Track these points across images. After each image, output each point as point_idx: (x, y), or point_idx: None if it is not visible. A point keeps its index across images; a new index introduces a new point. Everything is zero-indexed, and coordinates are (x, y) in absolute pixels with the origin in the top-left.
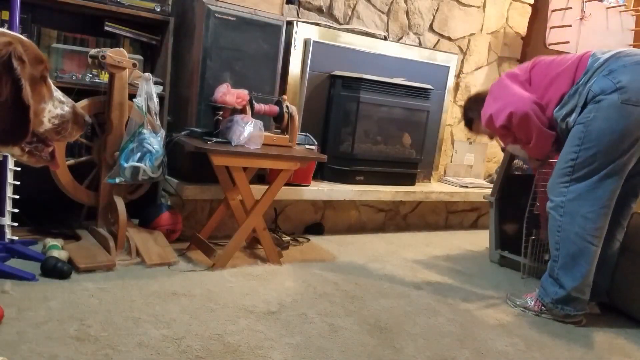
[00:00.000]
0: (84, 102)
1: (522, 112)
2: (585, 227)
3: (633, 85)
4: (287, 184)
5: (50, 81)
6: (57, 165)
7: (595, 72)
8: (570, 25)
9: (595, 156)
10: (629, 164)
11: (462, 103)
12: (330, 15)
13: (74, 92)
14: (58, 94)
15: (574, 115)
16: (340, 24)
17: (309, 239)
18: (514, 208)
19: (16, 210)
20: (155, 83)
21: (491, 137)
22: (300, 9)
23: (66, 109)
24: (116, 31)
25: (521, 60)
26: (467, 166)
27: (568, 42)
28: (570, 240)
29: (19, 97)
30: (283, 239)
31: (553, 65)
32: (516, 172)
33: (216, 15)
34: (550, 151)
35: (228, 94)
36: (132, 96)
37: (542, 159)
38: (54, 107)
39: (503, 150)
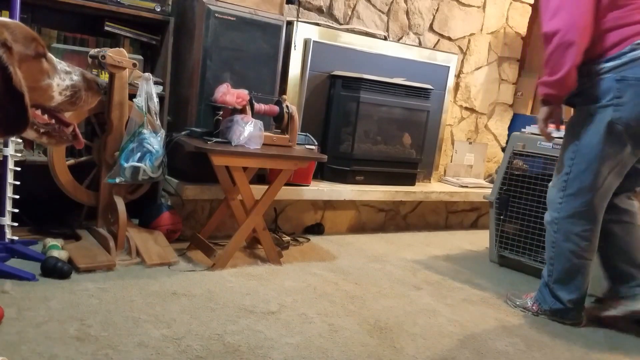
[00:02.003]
0: None
1: (568, 40)
2: (580, 244)
3: (630, 106)
4: (287, 184)
5: (51, 55)
6: (81, 142)
7: (617, 68)
8: None
9: (585, 173)
10: (616, 182)
11: (462, 103)
12: (330, 15)
13: None
14: (62, 65)
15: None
16: (340, 24)
17: (309, 239)
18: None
19: (16, 210)
20: (155, 83)
21: None
22: (300, 9)
23: (75, 78)
24: (116, 31)
25: (521, 61)
26: (467, 166)
27: None
28: (565, 257)
29: (11, 85)
30: (283, 239)
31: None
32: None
33: (216, 15)
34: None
35: (228, 94)
36: (132, 96)
37: (560, 94)
38: (62, 79)
39: (503, 150)
